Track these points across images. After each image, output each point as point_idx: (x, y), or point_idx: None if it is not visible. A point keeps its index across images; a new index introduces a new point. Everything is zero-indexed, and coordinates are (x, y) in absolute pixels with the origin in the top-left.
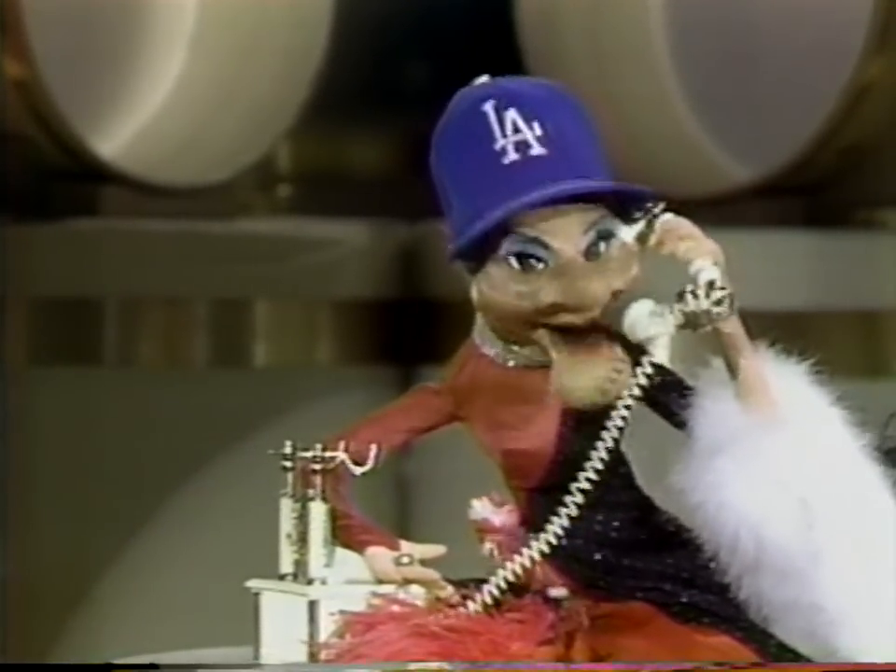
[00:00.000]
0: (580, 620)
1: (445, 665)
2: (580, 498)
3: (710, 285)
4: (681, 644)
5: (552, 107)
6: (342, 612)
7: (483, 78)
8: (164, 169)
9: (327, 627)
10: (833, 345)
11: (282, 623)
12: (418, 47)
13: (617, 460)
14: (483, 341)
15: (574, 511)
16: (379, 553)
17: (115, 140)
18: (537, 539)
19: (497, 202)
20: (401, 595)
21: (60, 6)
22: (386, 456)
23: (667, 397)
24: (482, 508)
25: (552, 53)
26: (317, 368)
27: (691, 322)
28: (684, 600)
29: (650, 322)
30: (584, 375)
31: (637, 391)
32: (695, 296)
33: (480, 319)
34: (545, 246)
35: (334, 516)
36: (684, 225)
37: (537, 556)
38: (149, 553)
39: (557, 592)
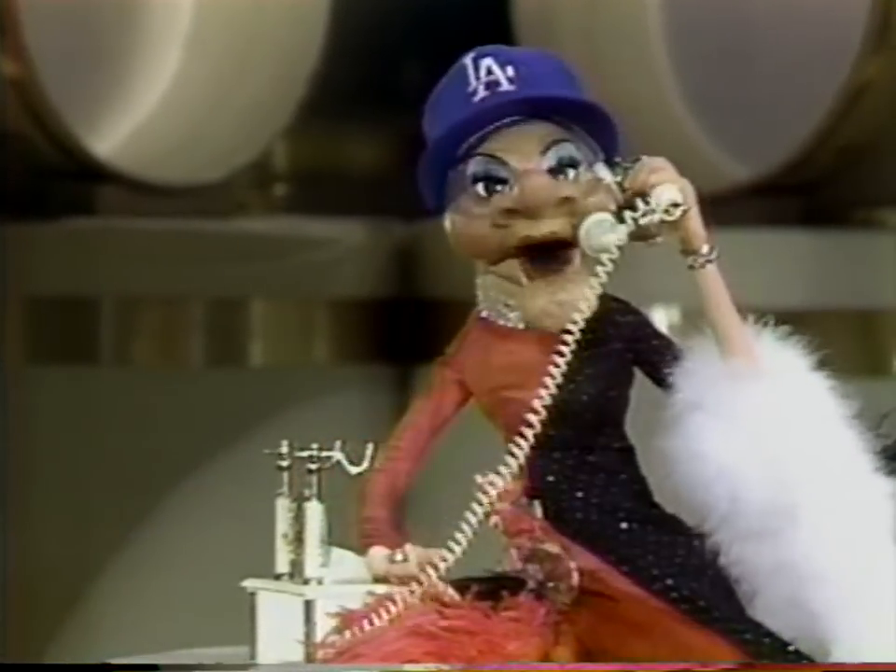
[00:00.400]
0: (570, 577)
1: (442, 667)
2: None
3: (668, 201)
4: (671, 640)
5: (531, 57)
6: (338, 612)
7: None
8: (161, 168)
9: (323, 627)
10: (830, 344)
11: (278, 622)
12: (415, 46)
13: (615, 432)
14: (485, 304)
15: (530, 440)
16: (376, 554)
17: (111, 139)
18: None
19: (466, 133)
20: (397, 595)
21: (56, 5)
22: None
23: (657, 358)
24: (484, 479)
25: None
26: (314, 367)
27: (642, 231)
28: (669, 583)
29: (601, 230)
30: (542, 298)
31: (586, 306)
32: (647, 203)
33: (479, 281)
34: (503, 164)
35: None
36: (657, 160)
37: (505, 472)
38: (146, 552)
39: (550, 547)
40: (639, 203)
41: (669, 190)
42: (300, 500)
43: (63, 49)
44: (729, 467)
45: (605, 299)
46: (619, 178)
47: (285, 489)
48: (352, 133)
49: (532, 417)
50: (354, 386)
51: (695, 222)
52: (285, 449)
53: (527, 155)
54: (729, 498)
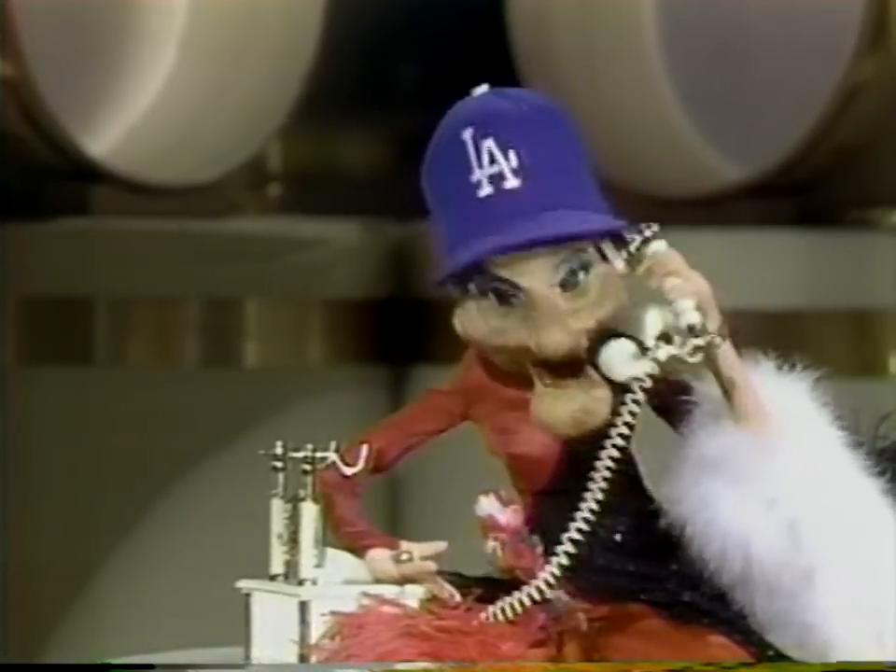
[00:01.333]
0: (578, 624)
1: (430, 666)
2: (593, 505)
3: (690, 330)
4: (677, 644)
5: (532, 131)
6: (332, 613)
7: (482, 88)
8: (155, 168)
9: (318, 628)
10: (824, 345)
11: (272, 623)
12: (409, 46)
13: (626, 463)
14: None
15: (584, 525)
16: (379, 555)
17: (105, 139)
18: (552, 554)
19: (471, 235)
20: (391, 596)
21: (50, 4)
22: (401, 461)
23: (671, 401)
24: (488, 505)
25: (543, 53)
26: (308, 367)
27: (665, 368)
28: (686, 599)
29: (624, 364)
30: (561, 406)
31: (624, 430)
32: (668, 342)
33: None
34: (514, 286)
35: (337, 523)
36: (673, 260)
37: (557, 571)
38: (140, 553)
39: (558, 596)
40: (660, 345)
41: (687, 315)
42: (294, 501)
43: (57, 49)
44: (744, 531)
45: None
46: (626, 257)
47: (279, 490)
48: (347, 133)
49: (574, 529)
50: (348, 387)
51: (712, 310)
52: (279, 450)
53: (540, 274)
54: (743, 562)
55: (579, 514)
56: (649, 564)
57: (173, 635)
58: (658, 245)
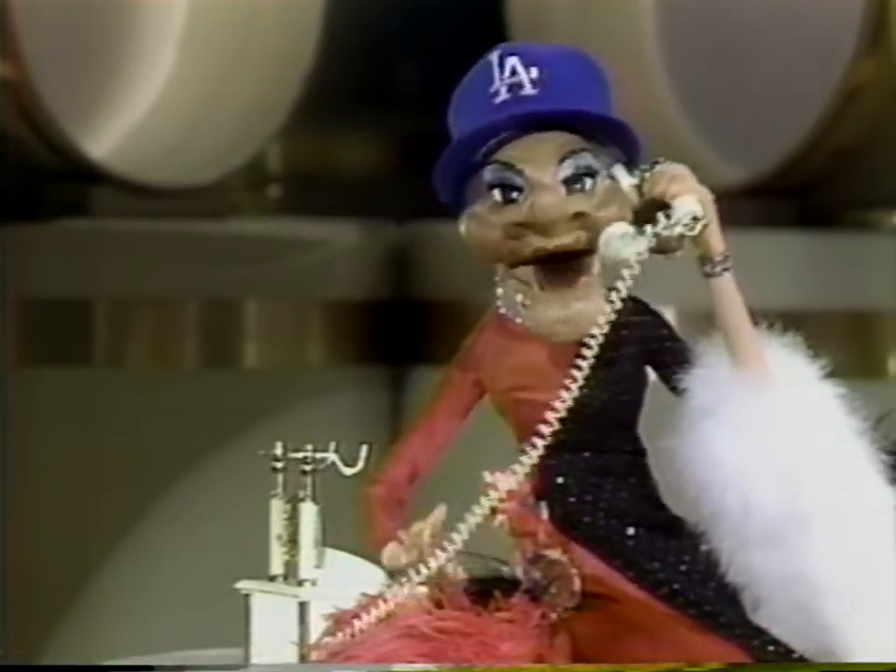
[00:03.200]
0: (571, 585)
1: (430, 667)
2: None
3: (688, 214)
4: (670, 642)
5: (556, 57)
6: (334, 608)
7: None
8: (154, 169)
9: (317, 628)
10: (824, 346)
11: (272, 624)
12: (408, 48)
13: (629, 434)
14: (503, 302)
15: (541, 450)
16: (391, 550)
17: (105, 140)
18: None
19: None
20: (390, 596)
21: (50, 6)
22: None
23: (670, 360)
24: (492, 477)
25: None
26: (308, 368)
27: (662, 244)
28: (675, 587)
29: (622, 242)
30: (550, 311)
31: (605, 320)
32: (668, 217)
33: (498, 279)
34: (519, 173)
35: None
36: (677, 167)
37: (503, 492)
38: (140, 553)
39: (553, 553)
40: (660, 217)
41: (689, 203)
42: (294, 501)
43: (57, 50)
44: (741, 474)
45: (624, 299)
46: (637, 182)
47: (279, 490)
48: (346, 134)
49: (550, 416)
50: (348, 388)
51: (714, 232)
52: (279, 450)
53: (544, 165)
54: (741, 505)
55: (562, 396)
56: (648, 537)
57: (172, 635)
58: (666, 164)
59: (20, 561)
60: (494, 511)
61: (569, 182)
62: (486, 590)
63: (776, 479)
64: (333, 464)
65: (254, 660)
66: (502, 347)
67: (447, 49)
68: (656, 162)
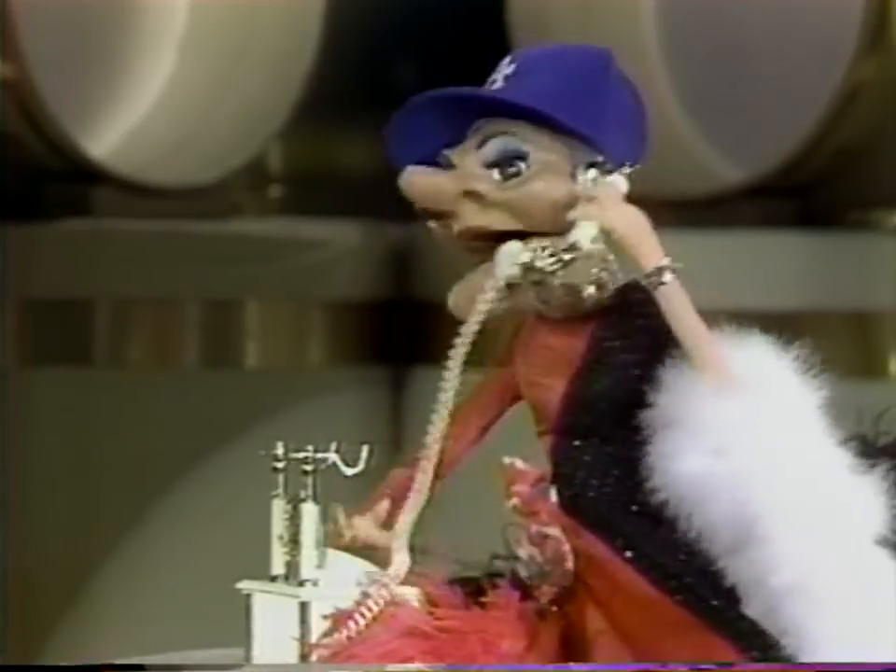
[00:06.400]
0: (563, 559)
1: (431, 667)
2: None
3: (571, 246)
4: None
5: (546, 55)
6: (332, 611)
7: None
8: (155, 169)
9: (318, 628)
10: (825, 346)
11: (273, 624)
12: (409, 47)
13: (635, 423)
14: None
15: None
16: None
17: (106, 141)
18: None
19: None
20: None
21: (51, 7)
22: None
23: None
24: (509, 460)
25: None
26: (309, 368)
27: (525, 274)
28: (671, 570)
29: (504, 263)
30: (461, 286)
31: (483, 307)
32: (544, 250)
33: None
34: (445, 158)
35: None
36: (603, 192)
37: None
38: (140, 554)
39: (549, 529)
40: (536, 251)
41: (578, 232)
42: (295, 502)
43: (58, 51)
44: (698, 487)
45: (628, 287)
46: (587, 181)
47: (280, 490)
48: (347, 134)
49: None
50: (349, 388)
51: (641, 247)
52: (280, 450)
53: (466, 149)
54: (700, 516)
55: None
56: (650, 525)
57: (173, 636)
58: (614, 179)
59: (22, 561)
60: (508, 495)
61: (497, 165)
62: (481, 588)
63: (731, 486)
64: (334, 464)
65: (255, 660)
66: (532, 338)
67: (448, 50)
68: (608, 169)
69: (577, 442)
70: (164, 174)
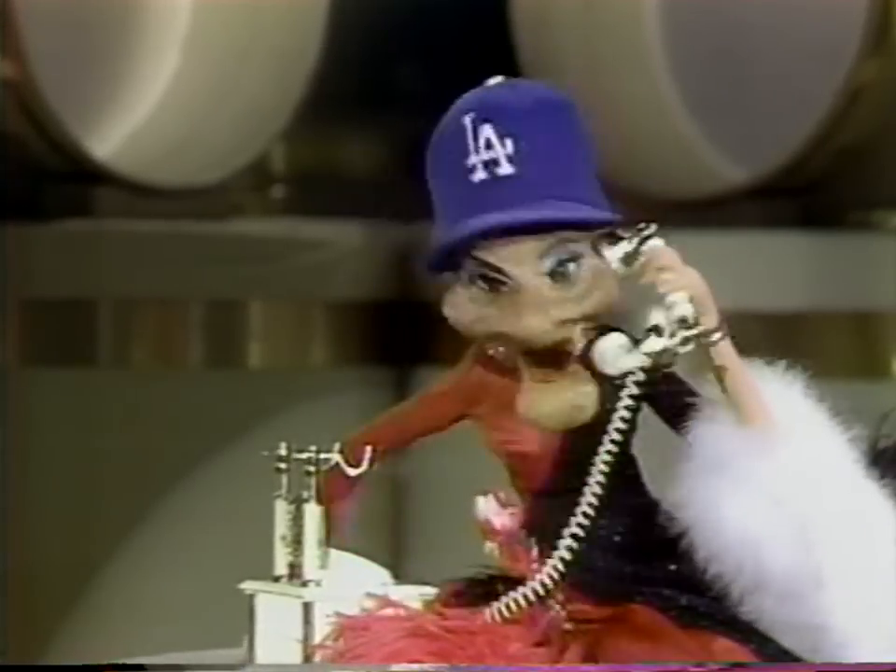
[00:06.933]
0: (558, 618)
1: (438, 667)
2: (592, 501)
3: (681, 322)
4: (681, 645)
5: (532, 121)
6: (337, 615)
7: (496, 80)
8: (158, 170)
9: (321, 629)
10: (828, 346)
11: (277, 624)
12: (412, 48)
13: (625, 463)
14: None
15: (584, 521)
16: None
17: (109, 141)
18: (551, 553)
19: (463, 220)
20: (396, 598)
21: (53, 6)
22: (396, 456)
23: (672, 403)
24: (485, 507)
25: (546, 54)
26: (311, 369)
27: (657, 360)
28: (683, 603)
29: (616, 357)
30: (546, 400)
31: (625, 410)
32: (660, 334)
33: None
34: (501, 272)
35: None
36: (666, 255)
37: (555, 572)
38: (144, 554)
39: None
40: (651, 336)
41: (679, 307)
42: (298, 502)
43: (60, 50)
44: (752, 533)
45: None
46: (621, 255)
47: (283, 491)
48: (350, 135)
49: (567, 536)
50: (352, 388)
51: (709, 306)
52: (283, 451)
53: (526, 262)
54: (753, 564)
55: (578, 510)
56: (648, 565)
57: (176, 636)
58: (655, 243)
59: (24, 561)
60: (485, 537)
61: (553, 271)
62: (490, 591)
63: (787, 535)
64: (337, 465)
65: (258, 660)
66: (495, 393)
67: (451, 50)
68: (643, 236)
69: (561, 497)
70: (167, 174)
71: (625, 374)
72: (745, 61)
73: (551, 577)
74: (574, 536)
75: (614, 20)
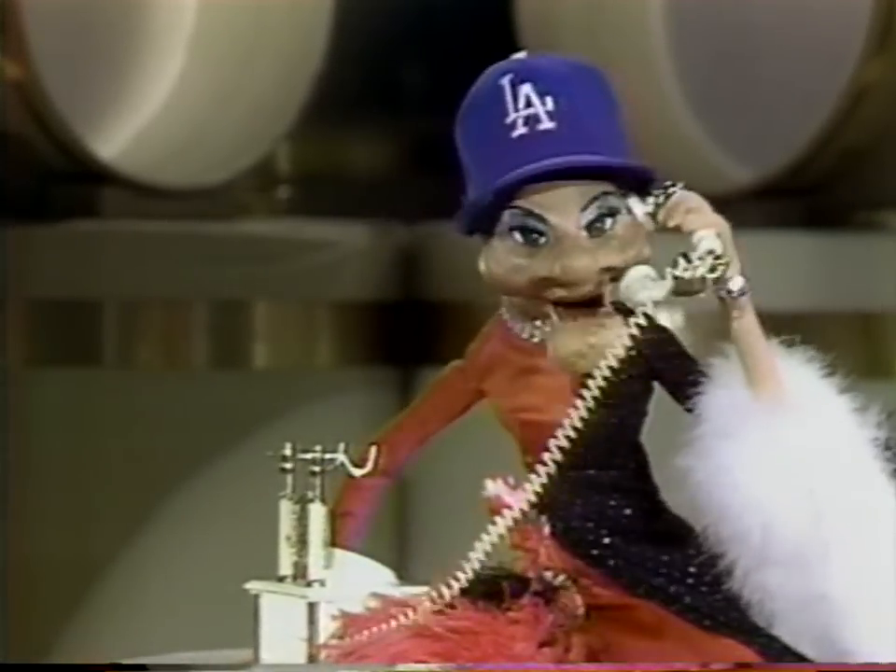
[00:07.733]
0: (575, 610)
1: (442, 667)
2: (557, 456)
3: (709, 252)
4: (686, 645)
5: (569, 83)
6: (342, 615)
7: (521, 54)
8: (163, 170)
9: (326, 629)
10: (832, 347)
11: (281, 624)
12: (417, 48)
13: (633, 447)
14: (509, 315)
15: (552, 469)
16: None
17: (114, 141)
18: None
19: (504, 172)
20: (400, 596)
21: (59, 7)
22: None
23: (680, 379)
24: (495, 486)
25: (551, 54)
26: (317, 369)
27: (683, 287)
28: (687, 601)
29: (643, 286)
30: (574, 339)
31: (619, 351)
32: (688, 260)
33: (504, 297)
34: (543, 220)
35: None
36: (692, 198)
37: (517, 514)
38: (148, 554)
39: (556, 580)
40: (679, 260)
41: (708, 241)
42: (303, 502)
43: (65, 51)
44: (761, 498)
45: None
46: (651, 210)
47: (288, 491)
48: (355, 135)
49: (553, 446)
50: (357, 388)
51: (733, 253)
52: (288, 451)
53: (567, 212)
54: (761, 529)
55: (565, 424)
56: (653, 549)
57: (180, 636)
58: (681, 193)
59: (27, 561)
60: (494, 519)
61: (591, 225)
62: (496, 589)
63: (796, 502)
64: (342, 465)
65: (263, 661)
66: (511, 364)
67: (456, 51)
68: (668, 186)
69: (572, 474)
70: (172, 174)
71: (635, 313)
72: (750, 61)
73: (536, 492)
74: (560, 448)
75: (619, 21)
